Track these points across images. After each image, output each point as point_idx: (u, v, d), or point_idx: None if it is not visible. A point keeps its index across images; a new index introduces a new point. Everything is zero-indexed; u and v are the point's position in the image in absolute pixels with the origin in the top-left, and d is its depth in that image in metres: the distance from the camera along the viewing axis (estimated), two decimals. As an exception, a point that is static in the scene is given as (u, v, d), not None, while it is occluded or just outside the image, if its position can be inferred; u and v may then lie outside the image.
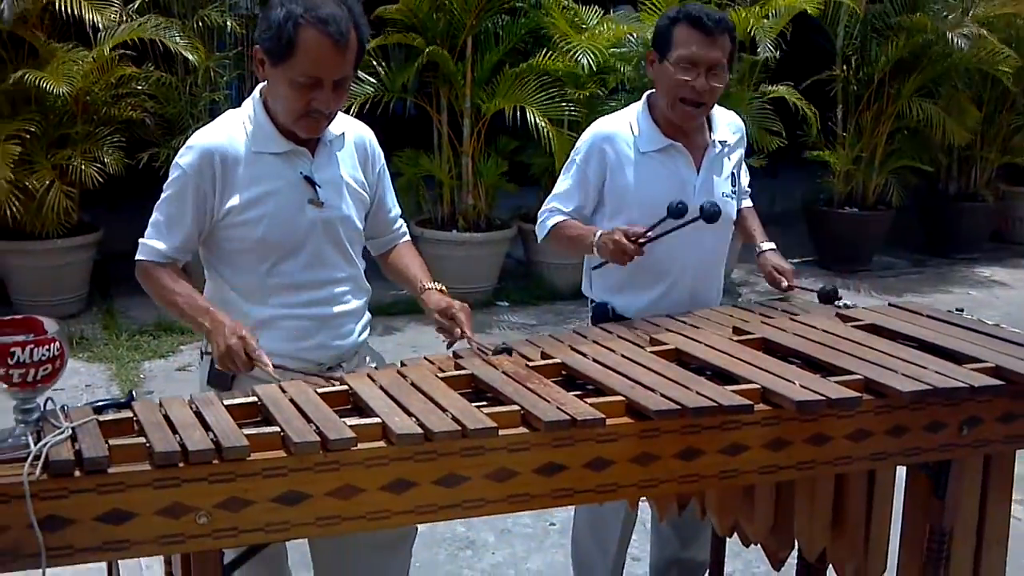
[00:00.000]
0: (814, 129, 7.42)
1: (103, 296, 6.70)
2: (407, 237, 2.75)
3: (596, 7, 7.02)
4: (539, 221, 2.94)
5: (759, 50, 6.73)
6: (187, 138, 2.45)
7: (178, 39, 6.00)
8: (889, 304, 2.74)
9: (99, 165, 5.98)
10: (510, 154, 7.03)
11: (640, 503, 2.97)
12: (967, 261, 8.44)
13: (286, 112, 2.33)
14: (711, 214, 2.66)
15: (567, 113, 6.51)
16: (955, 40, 7.03)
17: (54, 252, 6.20)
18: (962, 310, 2.64)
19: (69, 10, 5.76)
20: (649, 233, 2.64)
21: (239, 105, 2.47)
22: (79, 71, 5.84)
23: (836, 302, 2.75)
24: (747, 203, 3.10)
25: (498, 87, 6.62)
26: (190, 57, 6.03)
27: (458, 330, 2.42)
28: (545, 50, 6.57)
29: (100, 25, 5.90)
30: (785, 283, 2.86)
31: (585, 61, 6.31)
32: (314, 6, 2.24)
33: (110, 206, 6.73)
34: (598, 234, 2.71)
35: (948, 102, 7.80)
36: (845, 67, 7.77)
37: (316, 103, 2.29)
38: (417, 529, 2.72)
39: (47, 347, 1.72)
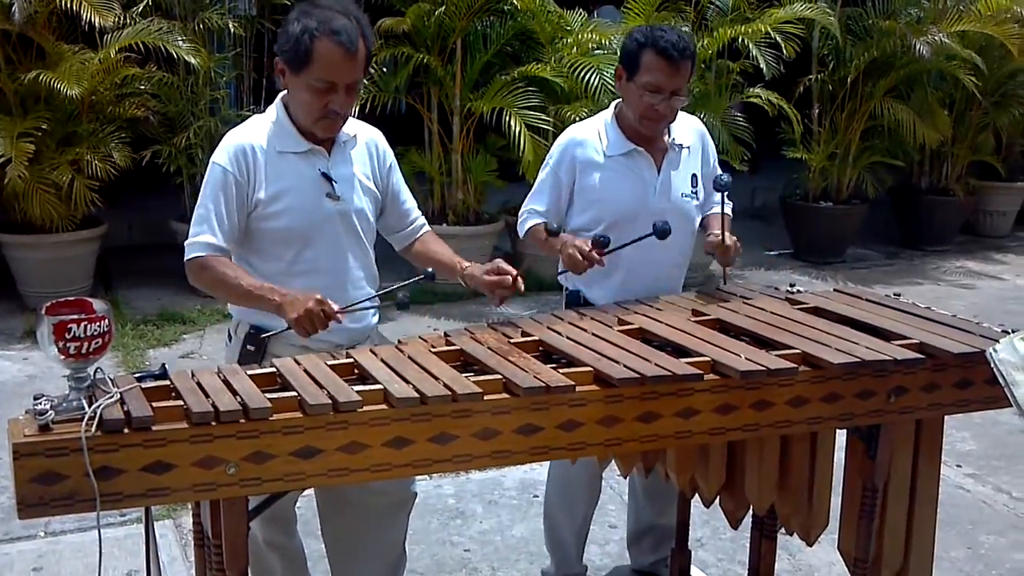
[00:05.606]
0: (795, 131, 7.65)
1: (106, 288, 6.88)
2: (428, 228, 2.99)
3: (580, 9, 7.25)
4: (519, 220, 3.21)
5: (756, 61, 7.00)
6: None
7: (181, 43, 6.19)
8: (834, 289, 3.04)
9: (108, 161, 6.16)
10: (498, 151, 7.21)
11: (617, 478, 3.25)
12: (938, 253, 8.72)
13: (307, 115, 2.63)
14: (662, 231, 2.89)
15: (548, 122, 6.60)
16: (918, 47, 7.30)
17: (61, 245, 6.36)
18: (899, 295, 2.94)
19: (73, 8, 5.91)
20: (597, 251, 2.86)
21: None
22: (86, 72, 6.03)
23: (792, 287, 3.01)
24: (728, 208, 3.12)
25: (487, 89, 6.82)
26: (193, 61, 6.22)
27: (508, 278, 2.72)
28: (534, 61, 6.79)
29: (103, 27, 6.06)
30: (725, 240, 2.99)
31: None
32: (327, 19, 2.54)
33: (111, 201, 6.93)
34: (562, 242, 2.96)
35: (919, 104, 8.04)
36: (821, 68, 8.04)
37: (332, 104, 2.58)
38: (416, 495, 2.98)
39: (98, 324, 1.98)
